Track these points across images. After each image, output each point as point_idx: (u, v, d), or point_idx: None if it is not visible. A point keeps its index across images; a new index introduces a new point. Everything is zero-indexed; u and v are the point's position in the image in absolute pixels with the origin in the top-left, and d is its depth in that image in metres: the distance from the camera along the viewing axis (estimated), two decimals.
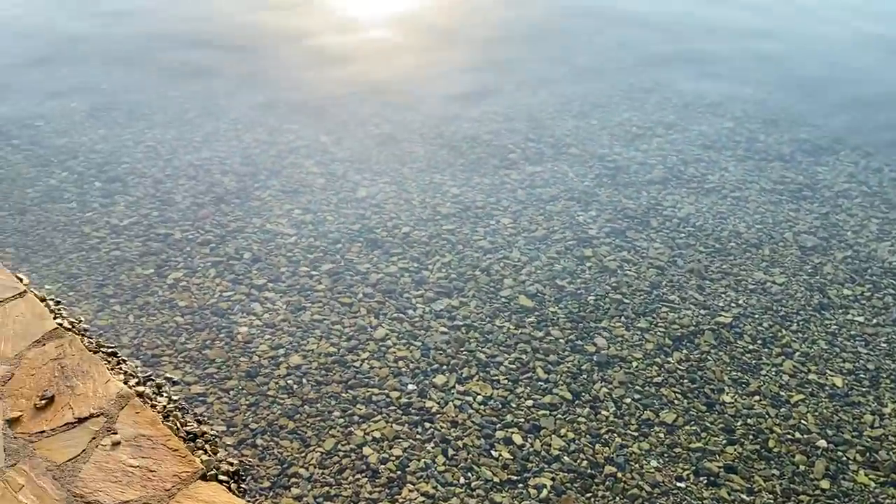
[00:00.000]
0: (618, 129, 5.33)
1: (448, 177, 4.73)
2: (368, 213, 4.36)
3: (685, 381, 3.13)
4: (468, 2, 8.44)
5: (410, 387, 3.07)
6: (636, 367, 3.20)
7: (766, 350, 3.31)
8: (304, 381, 3.10)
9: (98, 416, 2.61)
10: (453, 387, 3.08)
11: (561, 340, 3.33)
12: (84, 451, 2.48)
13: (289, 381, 3.10)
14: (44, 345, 2.94)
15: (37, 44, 6.84)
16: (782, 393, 3.07)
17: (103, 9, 7.89)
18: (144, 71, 6.31)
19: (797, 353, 3.29)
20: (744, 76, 6.14)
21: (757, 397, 3.05)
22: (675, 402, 3.02)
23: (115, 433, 2.55)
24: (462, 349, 3.28)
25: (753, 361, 3.24)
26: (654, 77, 6.18)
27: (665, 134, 5.22)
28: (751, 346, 3.33)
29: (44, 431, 2.55)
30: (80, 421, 2.59)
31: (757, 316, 3.51)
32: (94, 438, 2.53)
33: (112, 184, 4.61)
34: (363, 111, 5.62)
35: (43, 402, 2.66)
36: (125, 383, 2.89)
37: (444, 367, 3.18)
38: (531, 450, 2.79)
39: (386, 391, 3.05)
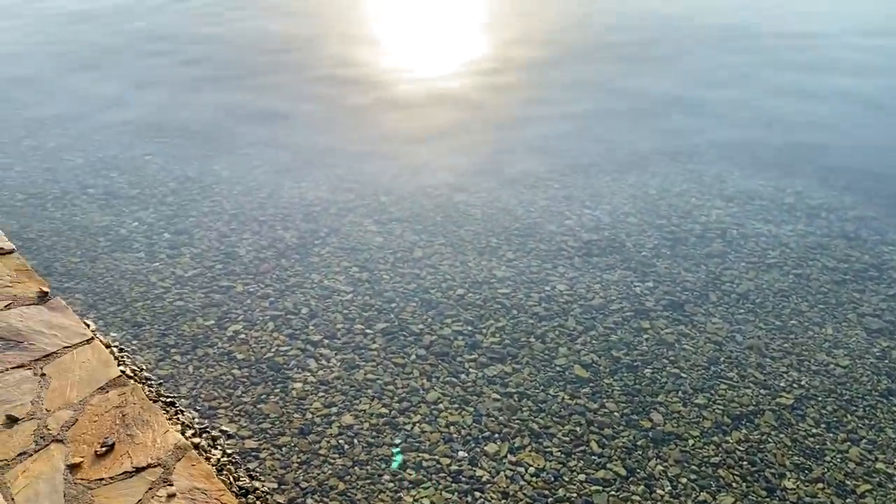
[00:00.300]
0: (676, 199, 5.31)
1: (504, 240, 4.76)
2: (424, 273, 4.41)
3: (744, 462, 3.03)
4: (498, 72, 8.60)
5: (461, 454, 3.05)
6: (693, 445, 3.12)
7: (831, 435, 3.19)
8: (356, 441, 3.11)
9: (155, 466, 2.66)
10: (505, 456, 3.04)
11: (616, 414, 3.28)
12: (140, 501, 2.52)
13: (340, 441, 3.11)
14: (107, 392, 3.02)
15: (113, 96, 7.20)
16: (848, 482, 2.95)
17: (180, 58, 8.29)
18: (213, 130, 6.57)
19: (864, 440, 3.17)
20: (805, 154, 6.08)
21: (820, 485, 2.93)
22: (734, 484, 2.92)
23: (171, 485, 2.59)
24: (515, 417, 3.25)
25: (817, 446, 3.13)
26: (715, 150, 6.16)
27: (725, 206, 5.18)
28: (814, 430, 3.22)
29: (102, 479, 2.60)
30: (138, 470, 2.64)
31: (820, 398, 3.40)
32: (150, 489, 2.56)
33: (179, 235, 4.77)
34: (422, 174, 5.72)
35: (103, 449, 2.72)
36: (182, 434, 2.94)
37: (496, 435, 3.15)
38: None
39: (437, 457, 3.03)
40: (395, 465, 2.97)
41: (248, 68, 8.18)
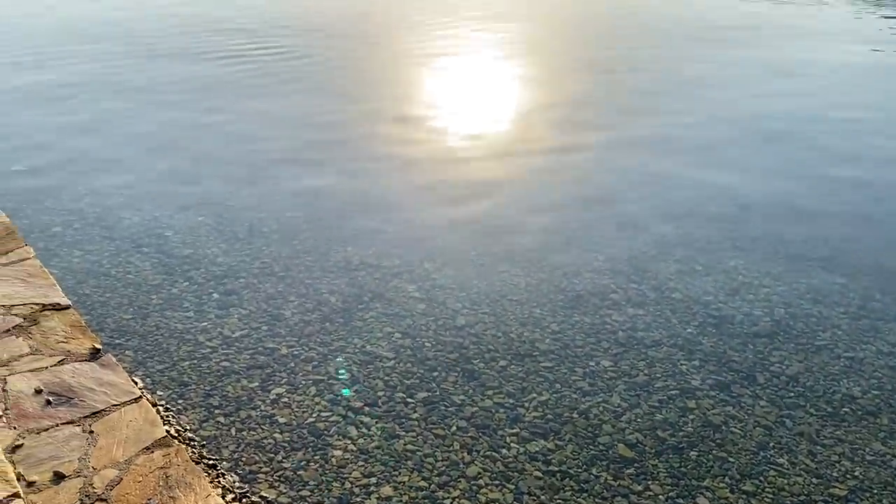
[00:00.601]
0: (723, 276, 5.25)
1: (548, 312, 4.75)
2: (466, 342, 4.41)
3: None
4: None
5: None
6: None
7: None
8: None
9: None
10: None
11: (661, 497, 3.19)
12: None
13: None
14: (152, 452, 3.06)
15: (174, 159, 7.46)
16: None
17: (224, 128, 8.58)
18: (266, 191, 6.75)
19: None
20: (855, 232, 5.99)
21: None
22: None
23: None
24: (556, 497, 3.19)
25: None
26: (761, 226, 6.10)
27: (772, 285, 5.11)
28: None
29: None
30: None
31: (876, 491, 3.27)
32: None
33: (228, 296, 4.87)
34: (466, 241, 5.77)
35: None
36: (223, 498, 2.95)
37: None
38: None
39: None
40: None
41: (304, 141, 8.42)
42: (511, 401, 3.85)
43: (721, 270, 5.35)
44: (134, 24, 13.97)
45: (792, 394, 3.95)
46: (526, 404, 3.82)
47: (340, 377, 3.46)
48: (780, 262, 5.45)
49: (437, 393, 3.92)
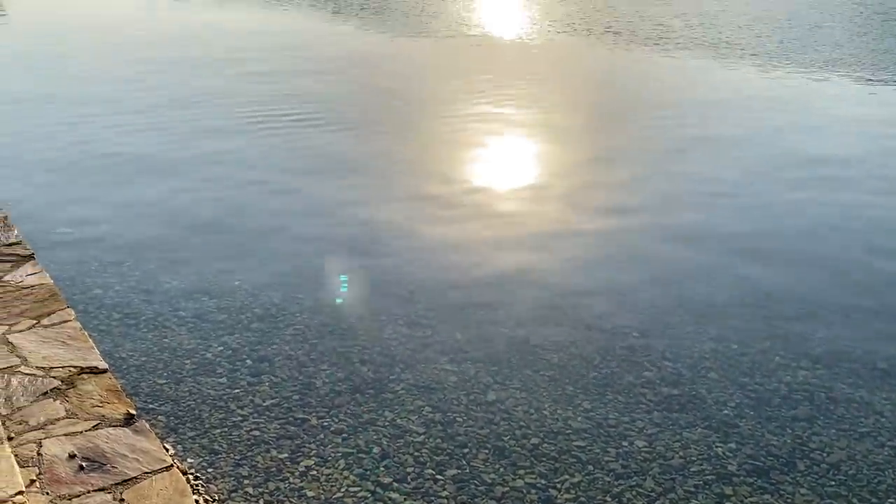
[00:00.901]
0: (759, 356, 5.16)
1: (580, 389, 4.70)
2: (497, 418, 4.37)
3: None
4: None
5: None
6: None
7: None
8: None
9: None
10: None
11: None
12: None
13: None
14: None
15: (213, 227, 7.61)
16: None
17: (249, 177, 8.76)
18: (302, 261, 6.83)
19: None
20: (891, 323, 5.85)
21: None
22: None
23: None
24: None
25: None
26: (796, 309, 6.01)
27: (811, 367, 5.00)
28: None
29: None
30: None
31: None
32: None
33: (261, 363, 4.91)
34: (498, 313, 5.77)
35: None
36: None
37: None
38: None
39: None
40: None
41: (338, 218, 8.55)
42: (543, 481, 3.78)
43: (758, 351, 5.26)
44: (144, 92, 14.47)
45: (834, 482, 3.83)
46: (558, 485, 3.75)
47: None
48: (818, 345, 5.34)
49: (468, 470, 3.87)
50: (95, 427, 3.67)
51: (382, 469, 3.85)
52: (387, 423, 4.27)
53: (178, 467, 3.53)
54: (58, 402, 3.86)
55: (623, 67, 17.75)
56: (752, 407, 4.53)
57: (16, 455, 3.38)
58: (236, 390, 4.56)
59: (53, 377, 4.07)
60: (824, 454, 4.07)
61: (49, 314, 4.76)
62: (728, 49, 19.67)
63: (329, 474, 3.79)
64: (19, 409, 3.79)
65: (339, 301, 5.93)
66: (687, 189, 8.84)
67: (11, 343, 4.38)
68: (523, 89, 14.60)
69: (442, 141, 10.97)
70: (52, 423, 3.68)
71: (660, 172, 9.38)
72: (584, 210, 8.15)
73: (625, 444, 4.12)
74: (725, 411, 4.48)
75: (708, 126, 11.71)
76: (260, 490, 3.64)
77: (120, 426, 3.70)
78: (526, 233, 7.54)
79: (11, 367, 4.13)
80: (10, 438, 3.52)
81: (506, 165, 9.92)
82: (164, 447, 3.76)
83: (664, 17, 28.08)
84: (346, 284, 6.21)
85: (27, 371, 4.10)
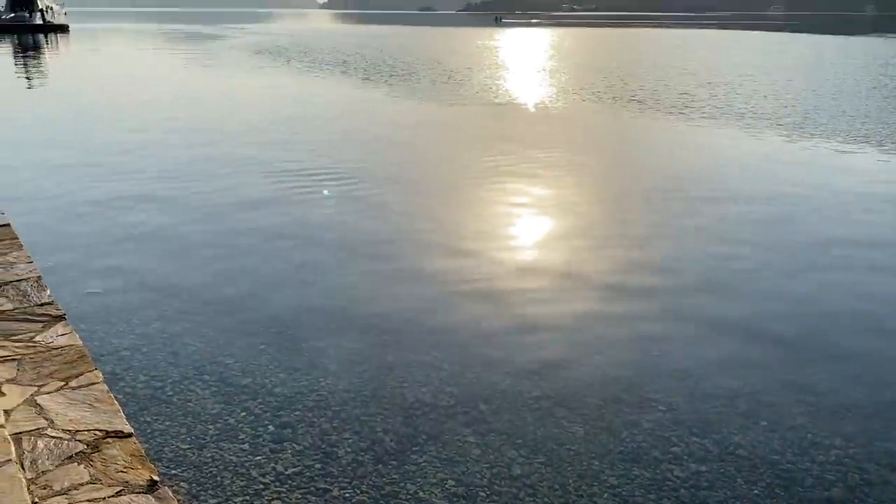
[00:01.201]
0: (790, 433, 5.04)
1: (606, 464, 4.61)
2: (522, 493, 4.29)
3: None
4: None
5: None
6: None
7: None
8: None
9: None
10: None
11: None
12: None
13: None
14: None
15: (239, 286, 7.71)
16: None
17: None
18: (325, 319, 6.87)
19: None
20: None
21: None
22: None
23: None
24: None
25: None
26: (828, 383, 5.89)
27: (844, 447, 4.87)
28: None
29: None
30: None
31: None
32: None
33: (283, 429, 4.89)
34: (524, 384, 5.71)
35: None
36: None
37: None
38: None
39: None
40: None
41: (360, 272, 8.62)
42: None
43: (788, 427, 5.14)
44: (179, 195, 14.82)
45: None
46: None
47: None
48: (851, 421, 5.21)
49: None
50: (118, 493, 3.66)
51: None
52: (409, 497, 4.21)
53: None
54: (82, 466, 3.86)
55: (650, 137, 17.88)
56: (783, 487, 4.41)
57: None
58: (258, 457, 4.54)
59: (79, 440, 4.08)
60: None
61: (77, 376, 4.81)
62: (753, 119, 19.81)
63: None
64: (44, 472, 3.80)
65: (363, 366, 5.91)
66: (718, 270, 8.69)
67: (39, 405, 4.42)
68: (551, 160, 14.60)
69: (473, 215, 10.79)
70: (75, 489, 3.67)
71: (692, 254, 9.09)
72: (608, 288, 8.12)
73: None
74: (756, 491, 4.36)
75: (738, 201, 11.49)
76: None
77: (143, 493, 3.69)
78: (550, 296, 7.52)
79: (38, 429, 4.16)
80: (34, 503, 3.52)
81: (534, 241, 9.91)
82: None
83: (689, 86, 28.48)
84: (364, 354, 6.22)
85: (53, 434, 4.13)
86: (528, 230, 10.16)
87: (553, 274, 8.28)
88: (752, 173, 13.51)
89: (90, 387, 4.69)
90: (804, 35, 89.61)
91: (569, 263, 8.65)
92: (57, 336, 5.34)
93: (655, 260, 8.82)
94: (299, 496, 4.15)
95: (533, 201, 11.42)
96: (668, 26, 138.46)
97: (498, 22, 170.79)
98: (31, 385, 4.63)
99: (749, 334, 6.76)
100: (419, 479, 4.38)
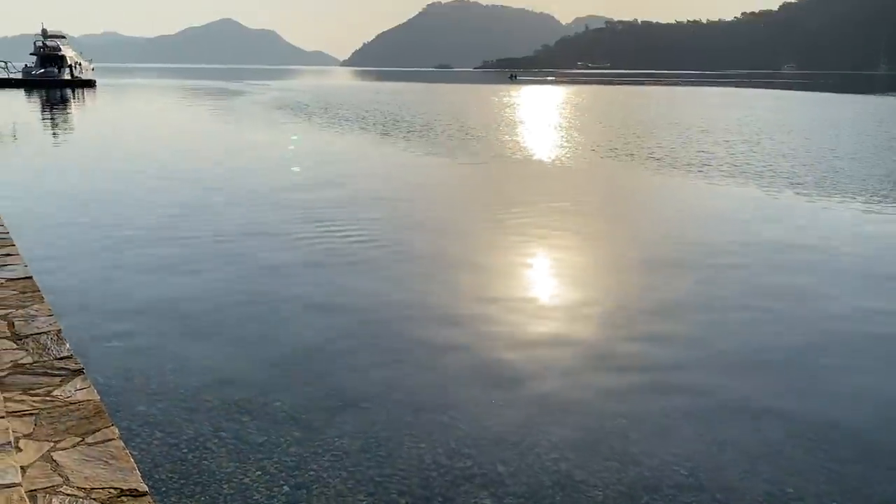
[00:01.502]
0: (813, 501, 4.91)
1: None
2: None
3: None
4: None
5: None
6: None
7: None
8: None
9: None
10: None
11: None
12: None
13: None
14: None
15: (257, 342, 7.71)
16: None
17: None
18: (339, 379, 6.83)
19: None
20: None
21: None
22: None
23: None
24: None
25: None
26: (852, 451, 5.76)
27: None
28: None
29: None
30: None
31: None
32: None
33: (298, 490, 4.83)
34: (541, 445, 5.63)
35: None
36: None
37: None
38: None
39: None
40: None
41: (372, 333, 8.60)
42: None
43: (813, 493, 5.01)
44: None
45: None
46: None
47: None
48: (878, 484, 5.07)
49: None
50: None
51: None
52: None
53: None
54: None
55: (671, 197, 17.66)
56: None
57: None
58: None
59: (94, 499, 4.05)
60: None
61: (94, 431, 4.79)
62: (773, 177, 19.79)
63: None
64: None
65: (378, 426, 5.86)
66: (741, 349, 8.55)
67: (55, 461, 4.40)
68: (572, 223, 14.21)
69: (491, 282, 10.24)
70: None
71: (716, 329, 8.47)
72: (625, 358, 8.04)
73: None
74: None
75: (762, 268, 10.89)
76: None
77: None
78: (569, 366, 7.44)
79: (54, 486, 4.13)
80: None
81: (556, 311, 9.84)
82: None
83: (705, 143, 28.66)
84: (378, 417, 6.16)
85: (68, 491, 4.10)
86: (549, 297, 9.80)
87: (574, 347, 8.06)
88: (777, 237, 12.90)
89: (106, 443, 4.67)
90: (818, 94, 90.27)
91: (594, 338, 8.45)
92: (75, 390, 5.35)
93: (678, 333, 8.19)
94: None
95: (553, 265, 11.21)
96: (682, 84, 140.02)
97: (513, 79, 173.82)
98: (47, 440, 4.62)
99: (765, 392, 6.64)
100: None
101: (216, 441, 5.47)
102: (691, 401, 6.50)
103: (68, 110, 47.54)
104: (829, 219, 14.92)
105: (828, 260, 11.57)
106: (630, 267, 11.10)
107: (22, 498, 3.85)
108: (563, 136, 32.37)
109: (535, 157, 24.75)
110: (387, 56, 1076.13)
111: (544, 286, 10.20)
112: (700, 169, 21.39)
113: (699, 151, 25.77)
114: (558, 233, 13.13)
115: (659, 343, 7.88)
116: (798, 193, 17.48)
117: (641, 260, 11.45)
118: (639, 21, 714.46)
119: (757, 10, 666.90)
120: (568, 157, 24.51)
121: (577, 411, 6.26)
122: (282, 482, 4.93)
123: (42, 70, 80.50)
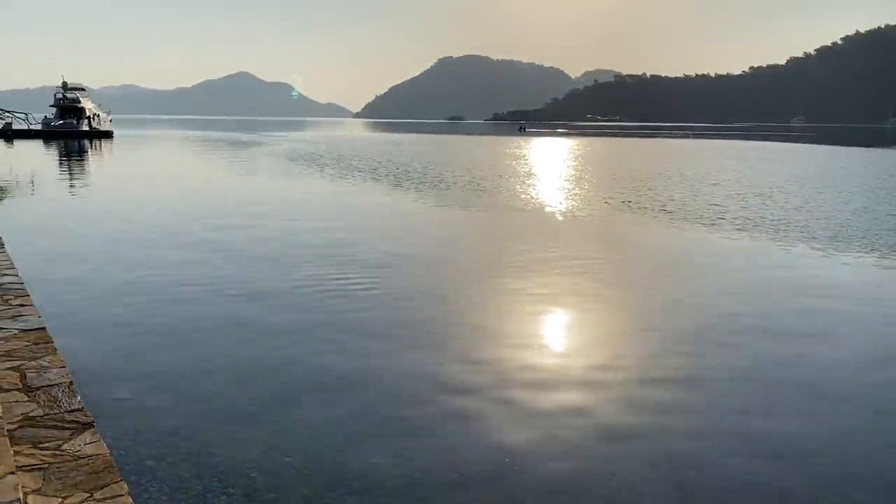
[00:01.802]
0: None
1: None
2: None
3: None
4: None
5: None
6: None
7: None
8: None
9: None
10: None
11: None
12: None
13: None
14: None
15: (269, 392, 7.63)
16: None
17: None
18: (348, 439, 6.71)
19: None
20: None
21: None
22: None
23: None
24: None
25: None
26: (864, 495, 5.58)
27: None
28: None
29: None
30: None
31: None
32: None
33: None
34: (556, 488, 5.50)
35: None
36: None
37: None
38: None
39: None
40: None
41: (379, 397, 8.51)
42: None
43: None
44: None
45: None
46: None
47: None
48: None
49: None
50: None
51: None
52: None
53: None
54: None
55: (684, 251, 17.31)
56: None
57: None
58: None
59: None
60: None
61: (103, 487, 4.73)
62: (787, 230, 19.69)
63: None
64: None
65: (387, 484, 5.75)
66: (754, 439, 8.37)
67: None
68: (587, 281, 13.81)
69: (505, 342, 9.87)
70: None
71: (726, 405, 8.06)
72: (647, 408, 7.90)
73: None
74: None
75: (780, 332, 10.32)
76: None
77: None
78: (582, 443, 7.31)
79: None
80: None
81: (565, 377, 9.74)
82: None
83: (717, 196, 28.69)
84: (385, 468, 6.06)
85: None
86: (565, 358, 9.70)
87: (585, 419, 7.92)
88: (793, 296, 12.52)
89: (115, 499, 4.61)
90: (828, 147, 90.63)
91: (606, 410, 8.27)
92: (84, 444, 5.30)
93: (691, 403, 7.71)
94: None
95: (567, 323, 11.08)
96: (691, 137, 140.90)
97: (522, 131, 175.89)
98: (55, 496, 4.56)
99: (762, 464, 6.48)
100: None
101: (225, 497, 5.38)
102: (702, 476, 6.36)
103: (84, 161, 48.32)
104: (843, 272, 14.76)
105: (844, 316, 11.34)
106: (645, 330, 10.88)
107: None
108: (575, 188, 32.50)
109: (547, 209, 24.78)
110: (400, 108, 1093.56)
111: (562, 353, 10.05)
112: (713, 222, 21.32)
113: (711, 204, 25.78)
114: (573, 298, 12.25)
115: (673, 415, 7.63)
116: (811, 246, 17.34)
117: (656, 326, 10.91)
118: (647, 75, 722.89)
119: (765, 64, 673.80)
120: (580, 210, 24.50)
121: (589, 473, 6.13)
122: None
123: (61, 121, 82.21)
